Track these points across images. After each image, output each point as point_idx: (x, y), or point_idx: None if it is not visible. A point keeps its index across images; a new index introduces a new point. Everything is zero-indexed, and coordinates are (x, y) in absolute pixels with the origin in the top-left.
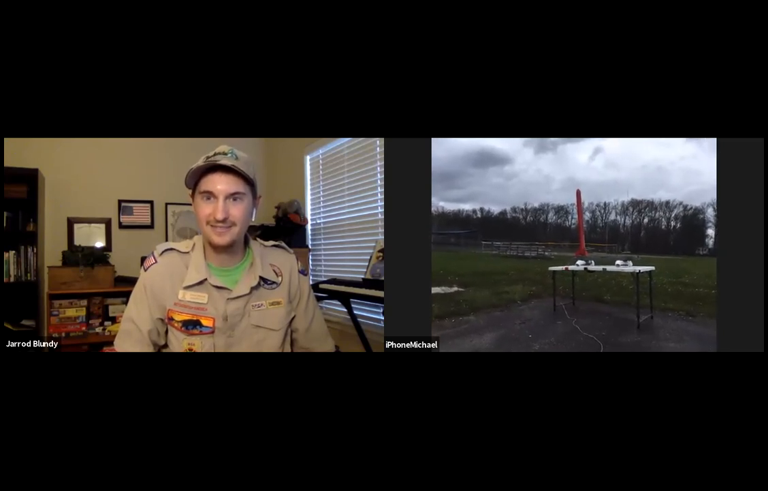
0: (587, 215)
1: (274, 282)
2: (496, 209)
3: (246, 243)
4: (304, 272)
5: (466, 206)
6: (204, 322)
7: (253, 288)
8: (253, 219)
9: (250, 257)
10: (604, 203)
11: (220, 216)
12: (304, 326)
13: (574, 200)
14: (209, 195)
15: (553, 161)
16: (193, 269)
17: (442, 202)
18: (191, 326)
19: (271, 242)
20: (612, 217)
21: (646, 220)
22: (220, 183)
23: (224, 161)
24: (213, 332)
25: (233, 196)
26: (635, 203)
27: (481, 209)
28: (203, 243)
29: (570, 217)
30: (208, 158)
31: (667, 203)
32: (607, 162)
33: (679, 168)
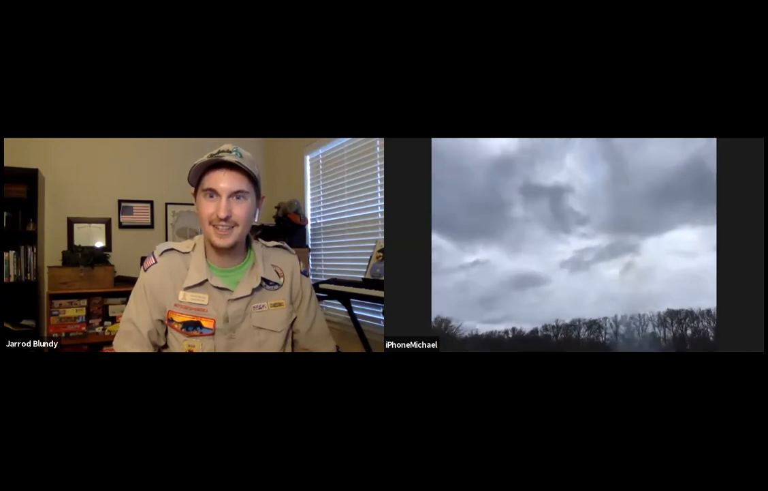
0: (622, 329)
1: (275, 283)
2: (527, 328)
3: (248, 244)
4: (306, 272)
5: (500, 327)
6: (204, 323)
7: (254, 289)
8: (256, 220)
9: (251, 258)
10: (639, 315)
11: (222, 214)
12: (305, 327)
13: (606, 314)
14: (212, 193)
15: (586, 278)
16: (194, 269)
17: (478, 324)
18: (191, 327)
19: (273, 243)
20: (650, 329)
21: (689, 331)
22: (223, 181)
23: (228, 157)
24: (213, 333)
25: (236, 194)
26: (673, 314)
27: (513, 329)
28: (204, 243)
29: (603, 331)
30: (211, 155)
31: (709, 310)
32: (639, 275)
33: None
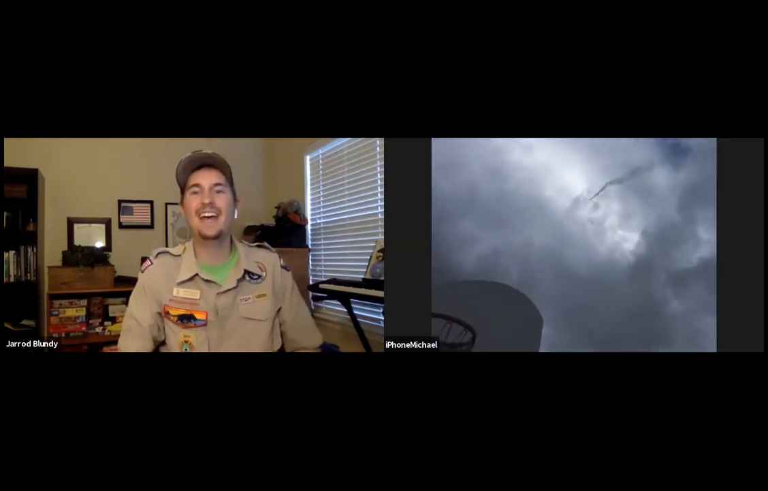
0: None
1: (258, 276)
2: None
3: (232, 246)
4: (287, 267)
5: None
6: (197, 316)
7: (239, 280)
8: (235, 217)
9: (236, 256)
10: None
11: (206, 200)
12: (290, 317)
13: None
14: (197, 187)
15: None
16: (185, 267)
17: None
18: (186, 319)
19: (256, 244)
20: None
21: None
22: (204, 178)
23: (206, 150)
24: (206, 324)
25: (216, 187)
26: None
27: None
28: (193, 245)
29: None
30: (194, 152)
31: None
32: None
33: None
